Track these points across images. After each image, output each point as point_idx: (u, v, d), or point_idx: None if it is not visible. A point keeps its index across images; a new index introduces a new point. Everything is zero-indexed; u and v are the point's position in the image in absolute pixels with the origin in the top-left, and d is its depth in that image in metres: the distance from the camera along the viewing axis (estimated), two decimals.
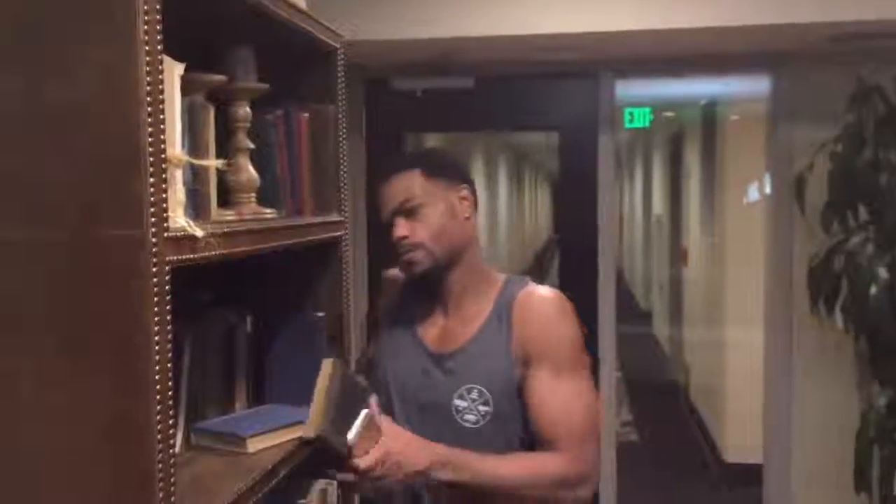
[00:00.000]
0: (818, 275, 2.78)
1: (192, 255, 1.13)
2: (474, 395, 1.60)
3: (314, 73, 1.81)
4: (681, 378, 6.55)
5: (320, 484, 1.75)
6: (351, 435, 1.48)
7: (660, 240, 8.22)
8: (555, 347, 1.57)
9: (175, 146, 1.20)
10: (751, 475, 4.41)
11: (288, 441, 1.51)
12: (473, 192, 1.71)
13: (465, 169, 1.77)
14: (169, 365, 1.08)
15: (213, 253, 1.17)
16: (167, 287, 1.07)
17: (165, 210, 1.08)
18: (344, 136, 1.81)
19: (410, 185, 1.64)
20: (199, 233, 1.13)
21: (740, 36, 2.79)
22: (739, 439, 4.80)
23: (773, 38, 2.89)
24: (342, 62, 1.84)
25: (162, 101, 1.07)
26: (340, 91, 1.82)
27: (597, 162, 3.27)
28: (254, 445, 1.45)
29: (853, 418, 3.07)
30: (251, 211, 1.53)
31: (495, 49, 3.04)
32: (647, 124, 6.15)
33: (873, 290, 2.58)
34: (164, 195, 1.07)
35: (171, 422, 1.09)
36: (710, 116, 5.69)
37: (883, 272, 2.58)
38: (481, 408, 1.59)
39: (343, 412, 1.49)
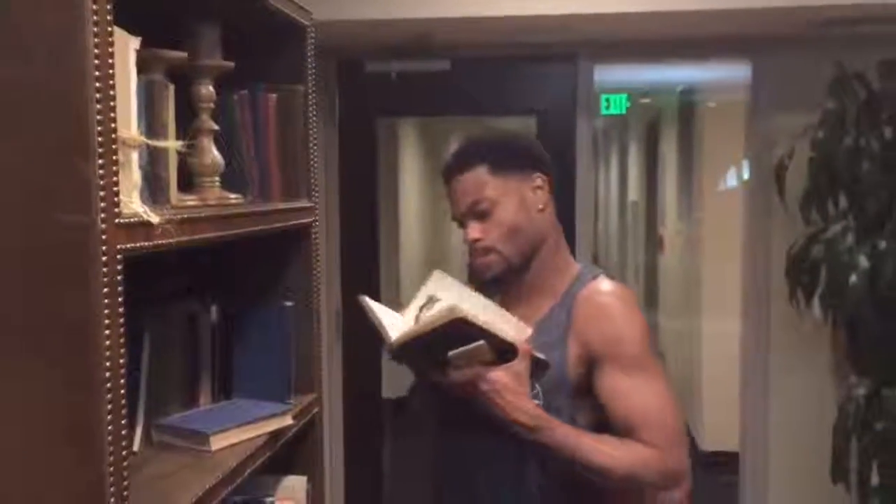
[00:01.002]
0: (797, 263, 2.75)
1: (146, 243, 1.05)
2: None
3: (283, 53, 1.73)
4: None
5: (290, 480, 1.69)
6: (394, 336, 1.45)
7: (635, 226, 8.21)
8: (621, 345, 1.50)
9: (130, 126, 1.12)
10: (727, 463, 4.42)
11: (255, 437, 1.44)
12: (548, 173, 1.62)
13: (536, 151, 1.65)
14: (122, 361, 1.00)
15: (171, 241, 1.09)
16: (119, 277, 0.99)
17: (117, 194, 1.00)
18: (314, 117, 1.73)
19: (479, 184, 1.55)
20: (154, 219, 1.05)
21: (721, 20, 2.74)
22: (716, 427, 4.79)
23: (753, 23, 2.84)
24: (312, 41, 1.76)
25: (113, 77, 0.99)
26: (310, 71, 1.75)
27: (574, 147, 3.22)
28: (218, 443, 1.38)
29: (830, 408, 3.05)
30: (215, 196, 1.46)
31: (473, 31, 2.97)
32: (623, 111, 6.12)
33: (853, 279, 2.55)
34: (115, 178, 0.99)
35: (124, 422, 1.02)
36: (687, 103, 5.65)
37: (863, 261, 2.54)
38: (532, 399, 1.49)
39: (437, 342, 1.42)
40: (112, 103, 0.98)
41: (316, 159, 1.75)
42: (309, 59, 1.74)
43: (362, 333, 3.20)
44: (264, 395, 1.62)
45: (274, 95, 1.64)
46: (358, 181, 3.34)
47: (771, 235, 3.12)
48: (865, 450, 2.66)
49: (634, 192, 8.34)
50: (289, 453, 1.65)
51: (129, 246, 1.01)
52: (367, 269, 3.35)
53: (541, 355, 1.47)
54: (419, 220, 6.43)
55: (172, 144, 1.22)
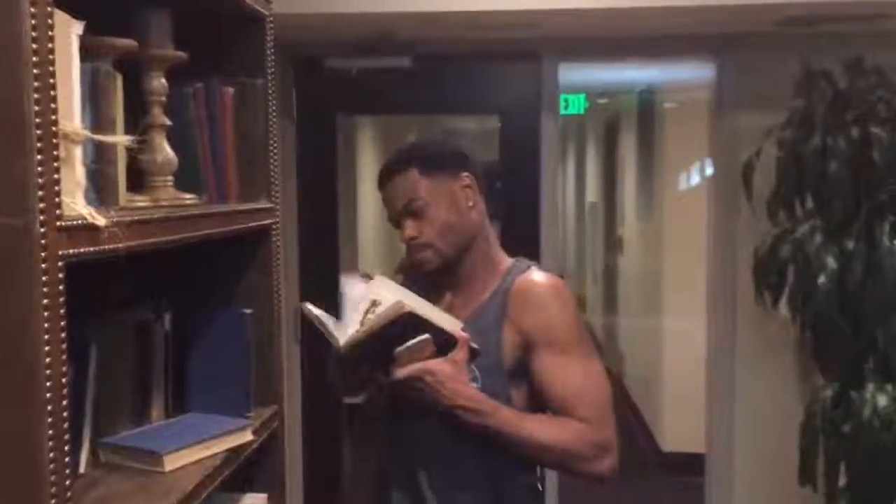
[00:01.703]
0: (764, 264, 2.72)
1: (91, 248, 0.95)
2: None
3: (240, 44, 1.63)
4: (614, 367, 6.53)
5: (249, 499, 1.59)
6: (342, 341, 1.52)
7: (594, 228, 8.20)
8: (554, 331, 1.60)
9: (73, 119, 1.02)
10: (688, 465, 4.40)
11: (212, 456, 1.34)
12: (476, 175, 1.71)
13: (464, 154, 1.74)
14: (64, 380, 0.90)
15: (119, 245, 0.99)
16: (61, 287, 0.89)
17: (58, 194, 0.90)
18: (274, 113, 1.64)
19: (411, 184, 1.65)
20: (100, 221, 0.95)
21: (686, 17, 2.70)
22: (676, 429, 4.78)
23: (718, 21, 2.81)
24: (272, 32, 1.67)
25: (53, 63, 0.89)
26: (270, 64, 1.65)
27: (539, 147, 3.15)
28: (172, 463, 1.28)
29: (796, 410, 3.03)
30: (168, 196, 1.36)
31: (435, 27, 2.89)
32: (581, 111, 6.10)
33: (822, 279, 2.53)
34: (56, 176, 0.89)
35: (67, 447, 0.91)
36: (646, 103, 5.64)
37: (831, 262, 2.52)
38: (470, 384, 1.59)
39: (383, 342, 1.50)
40: (52, 92, 0.88)
41: (276, 157, 1.65)
42: (268, 51, 1.64)
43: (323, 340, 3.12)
44: (222, 408, 1.52)
45: (231, 89, 1.55)
46: (317, 181, 3.24)
47: (736, 235, 3.09)
48: (833, 452, 2.63)
49: (593, 194, 8.34)
50: (248, 469, 1.55)
51: (71, 252, 0.91)
52: (327, 269, 3.24)
53: (474, 344, 1.57)
54: (377, 219, 6.33)
55: (121, 139, 1.12)
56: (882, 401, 2.52)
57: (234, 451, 1.40)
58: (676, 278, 4.89)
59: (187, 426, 1.43)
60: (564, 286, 1.67)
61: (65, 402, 0.90)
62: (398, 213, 1.67)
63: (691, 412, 4.55)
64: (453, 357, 1.54)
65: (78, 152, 1.03)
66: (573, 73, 4.45)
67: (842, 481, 2.69)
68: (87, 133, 1.03)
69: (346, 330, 1.56)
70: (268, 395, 1.63)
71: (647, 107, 5.63)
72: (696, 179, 4.87)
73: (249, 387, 1.56)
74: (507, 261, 1.72)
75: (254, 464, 1.58)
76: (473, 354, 1.57)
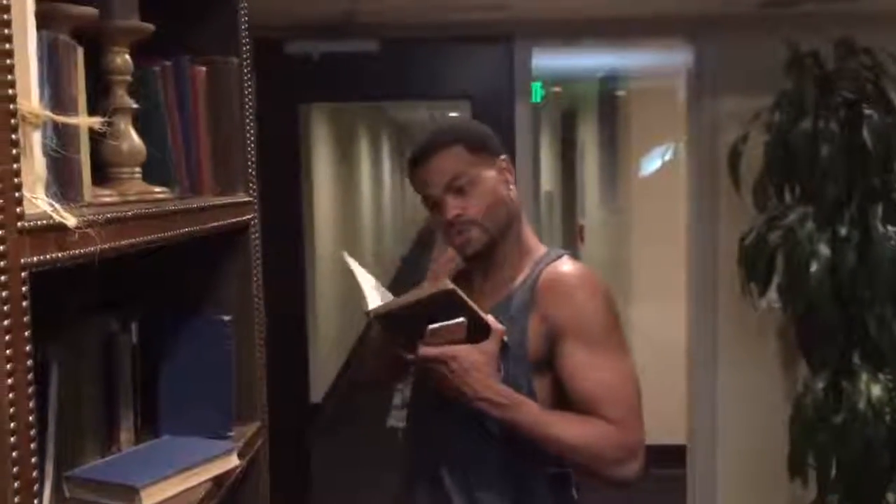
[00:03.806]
0: (752, 252, 2.63)
1: (60, 254, 0.78)
2: None
3: (211, 19, 1.45)
4: None
5: None
6: (371, 304, 1.47)
7: (550, 217, 8.11)
8: (582, 322, 1.51)
9: (30, 97, 0.84)
10: (662, 456, 4.34)
11: (195, 486, 1.18)
12: (509, 161, 1.66)
13: (497, 137, 1.67)
14: (31, 418, 0.73)
15: (93, 249, 0.82)
16: (24, 303, 0.72)
17: (19, 188, 0.73)
18: (250, 96, 1.46)
19: (459, 160, 1.55)
20: (70, 221, 0.78)
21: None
22: (648, 420, 4.70)
23: (698, 3, 2.72)
24: (244, 6, 1.49)
25: (9, 24, 0.71)
26: (244, 41, 1.48)
27: (513, 134, 3.02)
28: (150, 497, 1.11)
29: (779, 400, 2.97)
30: (137, 190, 1.18)
31: (402, 8, 2.73)
32: (538, 99, 5.99)
33: (814, 268, 2.44)
34: (15, 166, 0.72)
35: (35, 488, 0.74)
36: (607, 90, 5.55)
37: (824, 249, 2.44)
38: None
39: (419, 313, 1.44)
40: (9, 61, 0.71)
41: (253, 145, 1.48)
42: (243, 28, 1.47)
43: (288, 337, 2.95)
44: (199, 428, 1.35)
45: (203, 69, 1.37)
46: (278, 172, 3.05)
47: (718, 222, 3.01)
48: (825, 443, 2.56)
49: (548, 183, 8.25)
50: (232, 498, 1.38)
51: (36, 259, 0.74)
52: (293, 266, 3.07)
53: (505, 337, 1.50)
54: (333, 208, 6.15)
55: (87, 121, 0.94)
56: (876, 391, 2.45)
57: (219, 480, 1.23)
58: (646, 265, 4.81)
59: (163, 452, 1.25)
60: (595, 276, 1.59)
61: (33, 445, 0.73)
62: (441, 190, 1.55)
63: (662, 402, 4.49)
64: (484, 347, 1.47)
65: (37, 137, 0.85)
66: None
67: (832, 473, 2.62)
68: (49, 113, 0.85)
69: (377, 297, 1.51)
70: (249, 410, 1.47)
71: (608, 93, 5.54)
72: (660, 166, 4.80)
73: (230, 403, 1.39)
74: (540, 249, 1.64)
75: (236, 491, 1.41)
76: (503, 348, 1.50)
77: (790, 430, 2.69)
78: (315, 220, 5.27)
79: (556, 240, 7.93)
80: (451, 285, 1.42)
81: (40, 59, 0.89)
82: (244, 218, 1.44)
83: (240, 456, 1.31)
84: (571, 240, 7.01)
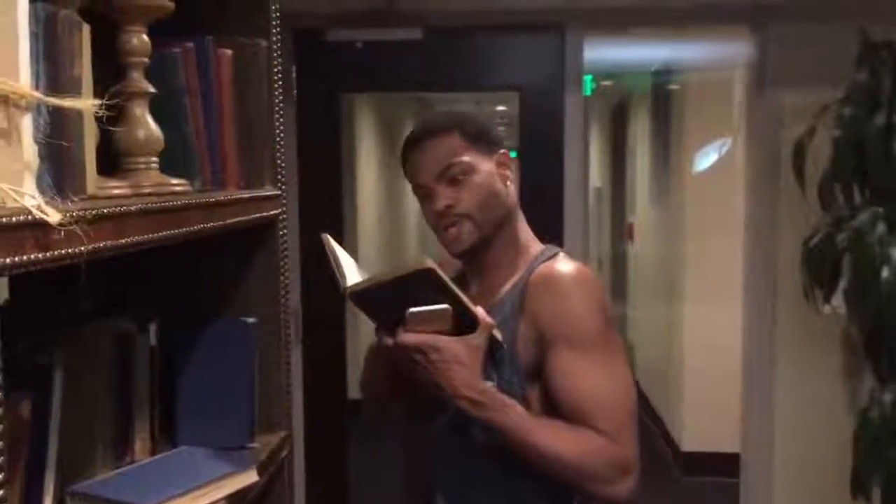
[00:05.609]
0: (816, 256, 2.46)
1: (41, 255, 0.68)
2: None
3: None
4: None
5: None
6: (349, 281, 1.32)
7: (599, 214, 7.94)
8: (571, 324, 1.39)
9: (18, 76, 0.75)
10: (713, 465, 4.17)
11: None
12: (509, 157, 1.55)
13: (497, 130, 1.57)
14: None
15: (81, 249, 0.72)
16: None
17: None
18: (279, 82, 1.37)
19: (453, 148, 1.45)
20: (52, 218, 0.68)
21: None
22: (697, 426, 4.53)
23: None
24: None
25: None
26: (274, 24, 1.38)
27: (563, 127, 2.89)
28: None
29: (841, 411, 2.80)
30: (152, 181, 1.09)
31: None
32: (589, 93, 5.83)
33: (885, 273, 2.27)
34: None
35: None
36: (660, 84, 5.37)
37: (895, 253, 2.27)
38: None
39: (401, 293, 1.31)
40: None
41: (282, 135, 1.38)
42: (273, 9, 1.37)
43: (326, 334, 2.85)
44: (219, 438, 1.27)
45: (229, 52, 1.27)
46: (320, 164, 2.96)
47: (778, 223, 2.84)
48: (894, 461, 2.38)
49: (598, 179, 8.07)
50: None
51: (11, 261, 0.64)
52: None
53: (498, 335, 1.38)
54: (377, 204, 6.06)
55: (86, 104, 0.84)
56: None
57: (235, 498, 1.13)
58: (698, 267, 4.63)
59: (178, 467, 1.16)
60: (590, 275, 1.48)
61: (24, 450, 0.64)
62: (433, 179, 1.45)
63: (713, 408, 4.32)
64: (470, 340, 1.34)
65: (26, 122, 0.76)
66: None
67: None
68: (38, 94, 0.76)
69: (356, 276, 1.37)
70: (274, 419, 1.38)
71: (661, 87, 5.37)
72: (714, 162, 4.62)
73: (253, 411, 1.30)
74: (536, 246, 1.53)
75: (257, 501, 1.32)
76: (494, 346, 1.38)
77: (854, 446, 2.52)
78: (357, 214, 5.19)
79: (604, 238, 7.76)
80: (430, 264, 1.28)
81: (34, 35, 0.80)
82: (271, 213, 1.35)
83: (261, 470, 1.21)
84: (620, 238, 6.83)
